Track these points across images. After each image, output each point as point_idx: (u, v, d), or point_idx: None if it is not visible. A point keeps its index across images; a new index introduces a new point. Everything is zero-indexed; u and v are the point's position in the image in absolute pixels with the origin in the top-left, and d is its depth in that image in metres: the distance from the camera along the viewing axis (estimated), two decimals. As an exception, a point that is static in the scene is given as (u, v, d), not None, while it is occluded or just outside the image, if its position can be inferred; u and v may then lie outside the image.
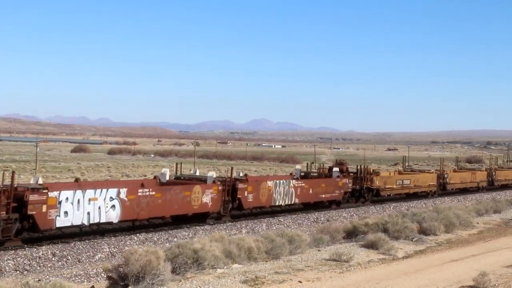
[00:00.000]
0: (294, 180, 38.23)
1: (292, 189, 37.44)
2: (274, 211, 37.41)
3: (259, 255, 21.89)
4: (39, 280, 17.85)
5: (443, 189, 55.58)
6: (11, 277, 19.76)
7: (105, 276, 18.41)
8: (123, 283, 16.99)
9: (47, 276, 19.81)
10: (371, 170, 46.91)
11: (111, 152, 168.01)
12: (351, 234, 28.05)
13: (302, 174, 42.29)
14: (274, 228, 31.86)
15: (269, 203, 35.80)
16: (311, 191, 39.06)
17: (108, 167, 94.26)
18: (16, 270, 21.11)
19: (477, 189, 60.44)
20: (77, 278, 19.71)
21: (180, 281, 17.65)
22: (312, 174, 43.73)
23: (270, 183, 35.86)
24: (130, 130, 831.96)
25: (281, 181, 36.97)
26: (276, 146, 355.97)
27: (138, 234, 27.60)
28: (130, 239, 26.46)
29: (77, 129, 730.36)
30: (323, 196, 40.26)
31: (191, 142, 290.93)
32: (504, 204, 44.78)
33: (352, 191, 43.37)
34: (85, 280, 19.53)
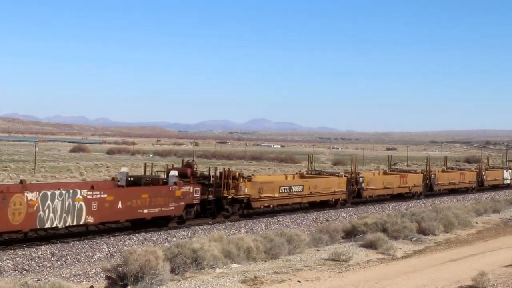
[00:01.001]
0: (85, 190, 26.27)
1: (82, 202, 25.70)
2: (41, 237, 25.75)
3: (258, 255, 21.91)
4: (38, 280, 17.85)
5: (357, 196, 44.79)
6: (10, 276, 19.76)
7: (104, 276, 18.42)
8: (122, 283, 17.00)
9: (46, 276, 19.81)
10: (237, 173, 34.39)
11: (110, 152, 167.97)
12: (350, 234, 28.08)
13: (131, 179, 31.85)
14: (273, 227, 31.88)
15: (30, 225, 23.84)
16: (120, 205, 27.36)
17: (107, 167, 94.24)
18: (15, 270, 21.10)
19: (411, 195, 50.63)
20: (76, 278, 19.70)
21: (179, 280, 17.66)
22: (146, 179, 32.05)
23: (32, 195, 23.79)
24: (129, 130, 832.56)
25: (58, 191, 25.12)
26: (275, 146, 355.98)
27: (137, 234, 27.61)
28: (129, 239, 26.47)
29: (76, 128, 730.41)
30: (146, 211, 28.65)
31: (190, 142, 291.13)
32: (503, 203, 44.85)
33: (203, 202, 31.93)
34: (84, 280, 19.52)
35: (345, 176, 44.01)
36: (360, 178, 44.63)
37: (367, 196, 46.04)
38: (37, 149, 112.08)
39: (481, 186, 61.84)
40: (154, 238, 27.24)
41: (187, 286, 17.15)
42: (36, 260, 22.24)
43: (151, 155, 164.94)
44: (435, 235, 29.56)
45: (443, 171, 62.03)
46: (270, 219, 34.52)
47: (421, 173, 53.51)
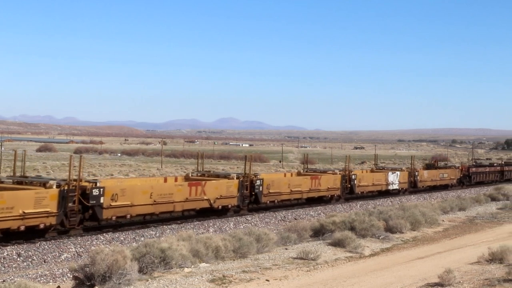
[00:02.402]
0: None
1: None
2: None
3: (226, 254, 21.89)
4: (4, 280, 17.67)
5: (90, 219, 27.56)
6: (-25, 278, 19.50)
7: (71, 276, 18.26)
8: (89, 283, 16.87)
9: (12, 277, 19.59)
10: None
11: (77, 151, 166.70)
12: (318, 233, 28.16)
13: None
14: (242, 226, 31.87)
15: None
16: None
17: (75, 166, 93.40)
18: (-20, 271, 20.84)
19: (219, 211, 34.49)
20: (42, 278, 19.52)
21: (147, 280, 17.57)
22: None
23: None
24: (97, 129, 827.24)
25: None
26: (243, 145, 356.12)
27: (104, 234, 27.37)
28: (96, 239, 26.26)
29: (43, 128, 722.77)
30: None
31: (158, 141, 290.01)
32: (468, 201, 45.32)
33: None
34: (51, 280, 19.35)
35: (59, 187, 26.06)
36: (95, 190, 27.32)
37: (111, 218, 28.13)
38: (3, 148, 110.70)
39: (350, 194, 47.06)
40: (122, 238, 27.07)
41: (155, 286, 17.07)
42: (2, 261, 21.98)
43: (119, 155, 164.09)
44: (402, 233, 29.80)
45: (298, 173, 47.80)
46: (238, 218, 34.45)
47: (237, 178, 36.10)
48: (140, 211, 29.64)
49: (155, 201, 29.97)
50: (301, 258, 22.07)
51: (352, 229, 27.56)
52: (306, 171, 48.90)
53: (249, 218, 34.69)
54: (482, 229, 33.28)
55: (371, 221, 29.01)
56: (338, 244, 25.14)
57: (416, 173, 56.58)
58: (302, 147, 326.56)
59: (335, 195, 44.73)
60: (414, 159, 58.54)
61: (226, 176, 37.17)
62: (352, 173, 48.03)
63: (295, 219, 35.80)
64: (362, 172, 54.45)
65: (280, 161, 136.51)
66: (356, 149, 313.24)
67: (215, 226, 31.90)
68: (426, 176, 58.51)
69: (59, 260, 23.08)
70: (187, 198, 31.94)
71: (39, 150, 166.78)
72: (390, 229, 29.80)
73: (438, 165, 69.42)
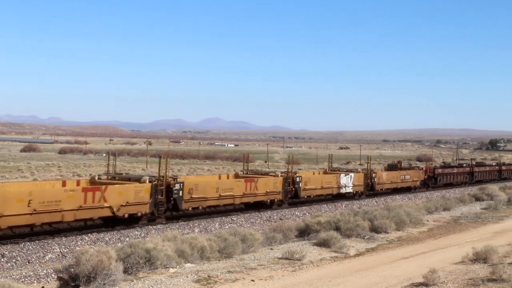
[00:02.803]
0: None
1: None
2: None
3: (211, 254, 21.87)
4: (-12, 281, 17.51)
5: None
6: (-42, 279, 19.37)
7: (56, 276, 18.18)
8: (74, 284, 16.80)
9: (-4, 278, 19.47)
10: None
11: (62, 152, 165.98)
12: (303, 233, 28.20)
13: None
14: (227, 227, 31.86)
15: None
16: None
17: (59, 166, 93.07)
18: (-36, 272, 20.69)
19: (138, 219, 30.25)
20: (27, 279, 19.42)
21: (132, 281, 17.52)
22: None
23: None
24: (82, 129, 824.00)
25: None
26: (229, 145, 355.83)
27: (89, 234, 27.28)
28: (81, 239, 26.16)
29: (27, 128, 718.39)
30: None
31: (143, 141, 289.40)
32: (453, 201, 45.50)
33: None
34: (35, 281, 19.25)
35: None
36: None
37: None
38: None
39: (295, 198, 42.53)
40: (107, 238, 26.98)
41: (140, 286, 17.02)
42: (-14, 262, 21.85)
43: (104, 155, 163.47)
44: (387, 233, 29.88)
45: (236, 176, 42.42)
46: (223, 218, 34.43)
47: (150, 181, 31.32)
48: (14, 222, 24.51)
49: (35, 210, 24.98)
50: (287, 258, 22.08)
51: (337, 229, 27.61)
52: (247, 173, 43.69)
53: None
54: (466, 229, 33.42)
55: (356, 221, 29.06)
56: (323, 244, 25.18)
57: (374, 175, 52.20)
58: (287, 147, 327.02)
59: (276, 199, 39.93)
60: (371, 159, 54.60)
61: (138, 179, 32.14)
62: (297, 174, 43.46)
63: (281, 219, 35.82)
64: (314, 173, 50.82)
65: (265, 161, 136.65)
66: (342, 149, 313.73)
67: (200, 226, 31.88)
68: (385, 178, 54.05)
69: (44, 261, 22.97)
70: (80, 206, 26.92)
71: (23, 150, 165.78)
72: (375, 229, 29.87)
73: (402, 166, 64.21)
